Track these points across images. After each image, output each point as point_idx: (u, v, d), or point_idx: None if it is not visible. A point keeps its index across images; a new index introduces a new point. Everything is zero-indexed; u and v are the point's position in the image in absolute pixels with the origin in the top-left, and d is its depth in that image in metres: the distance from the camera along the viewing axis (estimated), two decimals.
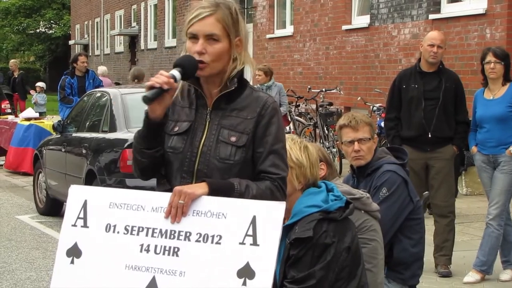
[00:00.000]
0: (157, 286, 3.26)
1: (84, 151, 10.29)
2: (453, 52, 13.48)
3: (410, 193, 5.36)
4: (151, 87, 3.25)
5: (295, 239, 3.68)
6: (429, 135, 7.88)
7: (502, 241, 7.64)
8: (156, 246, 3.29)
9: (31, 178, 13.52)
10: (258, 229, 3.20)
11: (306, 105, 17.45)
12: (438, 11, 14.73)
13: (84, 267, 3.38)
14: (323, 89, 16.68)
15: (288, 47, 20.63)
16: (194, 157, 3.40)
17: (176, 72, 3.29)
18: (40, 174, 12.35)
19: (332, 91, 16.62)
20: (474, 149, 7.72)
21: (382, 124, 12.70)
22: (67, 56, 44.92)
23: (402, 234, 5.34)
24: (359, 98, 15.90)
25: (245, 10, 22.91)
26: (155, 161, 3.45)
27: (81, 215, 3.45)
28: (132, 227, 3.35)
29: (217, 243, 3.23)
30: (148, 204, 3.35)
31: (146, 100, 3.25)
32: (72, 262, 3.41)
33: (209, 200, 3.27)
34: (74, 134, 11.13)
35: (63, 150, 11.12)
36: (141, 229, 3.33)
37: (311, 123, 16.17)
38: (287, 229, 3.72)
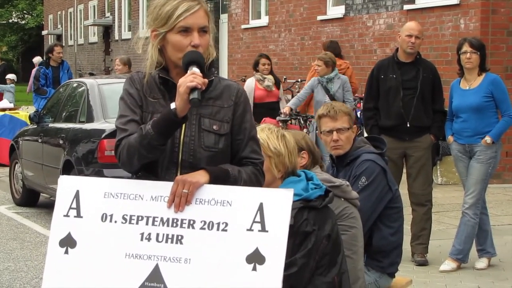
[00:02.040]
0: (161, 273, 3.26)
1: (61, 142, 10.25)
2: (427, 43, 13.55)
3: (388, 182, 5.42)
4: (194, 89, 3.22)
5: None
6: (408, 125, 7.92)
7: (477, 230, 7.71)
8: (158, 234, 3.30)
9: (6, 169, 13.44)
10: (266, 215, 3.25)
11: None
12: (412, 1, 14.80)
13: (80, 256, 3.38)
14: (299, 80, 16.67)
15: (263, 38, 20.64)
16: (176, 147, 3.42)
17: (198, 70, 3.31)
18: (17, 165, 12.29)
19: None
20: (450, 138, 7.78)
21: (358, 114, 12.77)
22: (40, 47, 44.60)
23: (381, 222, 5.40)
24: None
25: (220, 0, 22.86)
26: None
27: (74, 206, 3.43)
28: (131, 216, 3.34)
29: (223, 230, 3.26)
30: (147, 193, 3.35)
31: (198, 102, 3.23)
32: (66, 252, 3.40)
33: (212, 188, 3.31)
34: (51, 125, 11.08)
35: (39, 140, 11.07)
36: (140, 218, 3.33)
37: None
38: None
